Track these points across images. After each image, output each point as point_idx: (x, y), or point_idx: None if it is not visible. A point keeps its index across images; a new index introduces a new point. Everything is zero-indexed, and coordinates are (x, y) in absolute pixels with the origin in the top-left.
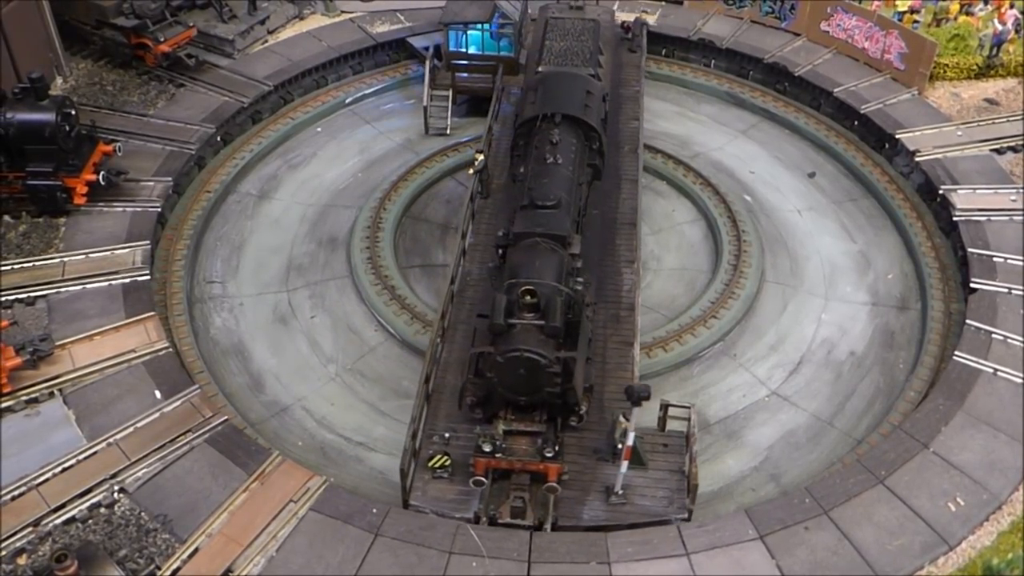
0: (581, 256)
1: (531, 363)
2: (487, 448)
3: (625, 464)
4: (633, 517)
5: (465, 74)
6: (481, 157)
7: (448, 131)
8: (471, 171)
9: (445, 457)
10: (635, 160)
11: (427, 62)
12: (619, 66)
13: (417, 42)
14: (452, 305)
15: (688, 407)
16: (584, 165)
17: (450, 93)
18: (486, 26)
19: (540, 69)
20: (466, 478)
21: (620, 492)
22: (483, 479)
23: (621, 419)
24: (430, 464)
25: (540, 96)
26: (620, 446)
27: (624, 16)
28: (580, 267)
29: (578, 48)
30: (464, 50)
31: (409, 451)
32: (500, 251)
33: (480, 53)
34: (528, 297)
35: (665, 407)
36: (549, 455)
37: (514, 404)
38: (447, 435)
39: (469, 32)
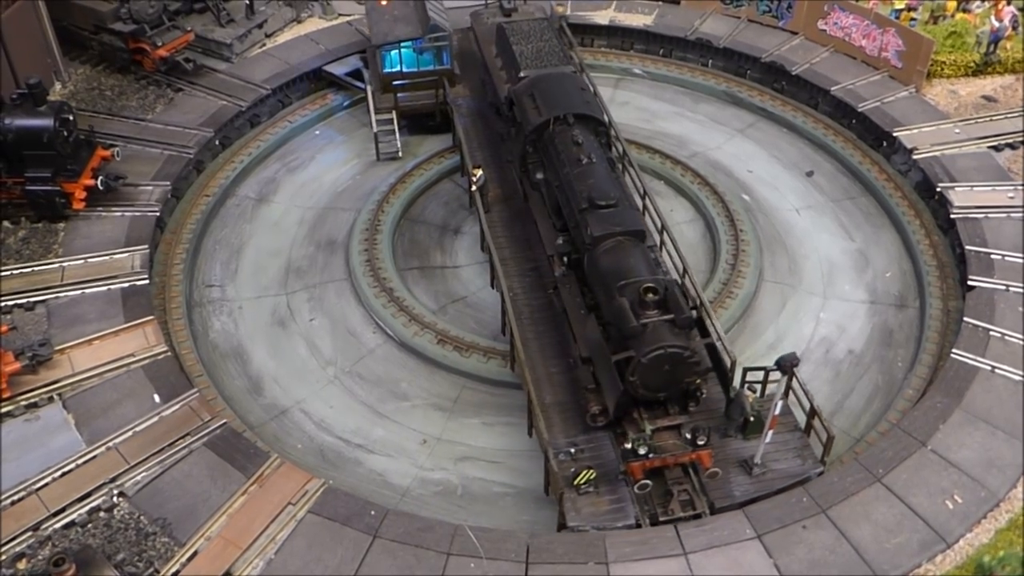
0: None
1: (676, 358)
2: (642, 451)
3: (770, 434)
4: (779, 483)
5: (406, 94)
6: (480, 172)
7: (400, 154)
8: (473, 188)
9: (590, 471)
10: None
11: (367, 87)
12: None
13: (336, 69)
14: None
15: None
16: (607, 159)
17: (394, 115)
18: (420, 42)
19: (522, 74)
20: (611, 488)
21: (759, 463)
22: (648, 482)
23: (747, 392)
24: (576, 482)
25: (540, 100)
26: (752, 418)
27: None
28: (656, 258)
29: (548, 48)
30: (399, 69)
31: (559, 476)
32: (565, 259)
33: (418, 70)
34: (651, 295)
35: (765, 372)
36: (702, 442)
37: (647, 402)
38: (572, 450)
39: (402, 50)
